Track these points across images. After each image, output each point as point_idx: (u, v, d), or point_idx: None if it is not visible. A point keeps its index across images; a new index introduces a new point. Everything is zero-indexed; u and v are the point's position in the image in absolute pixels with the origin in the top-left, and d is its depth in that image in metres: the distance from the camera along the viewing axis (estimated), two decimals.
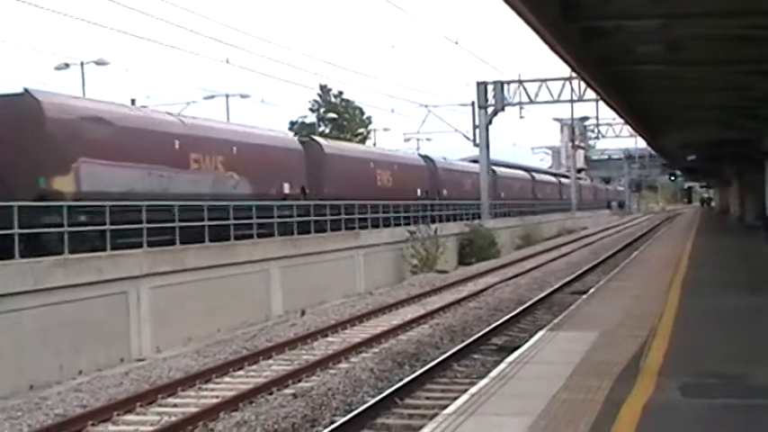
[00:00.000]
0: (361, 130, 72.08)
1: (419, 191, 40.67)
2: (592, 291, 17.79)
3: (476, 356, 15.32)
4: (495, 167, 53.45)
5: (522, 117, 50.24)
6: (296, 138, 33.91)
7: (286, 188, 27.67)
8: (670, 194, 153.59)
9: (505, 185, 56.14)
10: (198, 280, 20.37)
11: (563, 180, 79.88)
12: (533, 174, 70.09)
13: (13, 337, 15.04)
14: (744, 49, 16.71)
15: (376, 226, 32.13)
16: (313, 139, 34.02)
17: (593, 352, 10.02)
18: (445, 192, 44.57)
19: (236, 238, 22.71)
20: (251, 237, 23.50)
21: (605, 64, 17.76)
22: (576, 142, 77.70)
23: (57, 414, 12.67)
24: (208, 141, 23.76)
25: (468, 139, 49.28)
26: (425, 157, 45.46)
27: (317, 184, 29.98)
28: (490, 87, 47.16)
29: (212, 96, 46.10)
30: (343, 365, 15.25)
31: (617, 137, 74.09)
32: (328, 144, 34.35)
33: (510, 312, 20.17)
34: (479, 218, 44.52)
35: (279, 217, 25.49)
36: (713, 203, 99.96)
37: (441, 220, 38.11)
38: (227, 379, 14.92)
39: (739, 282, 17.50)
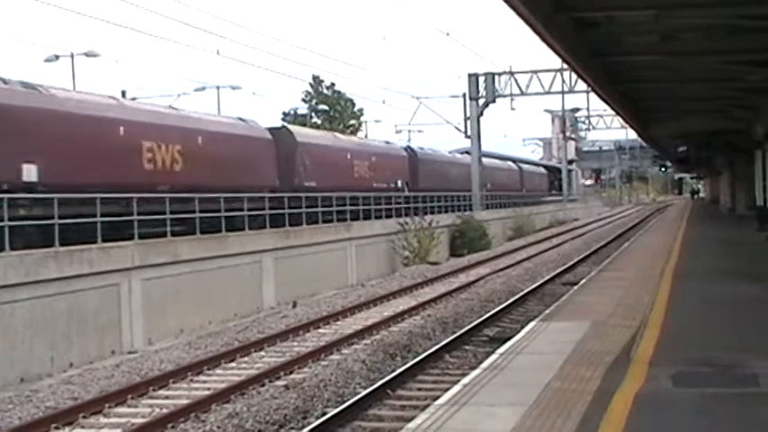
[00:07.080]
0: (352, 122, 71.90)
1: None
2: (583, 281, 17.80)
3: (468, 347, 15.33)
4: (521, 164, 68.05)
5: (513, 108, 50.29)
6: (400, 146, 45.06)
7: (400, 183, 40.08)
8: (661, 186, 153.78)
9: (529, 179, 67.69)
10: (190, 272, 20.31)
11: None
12: (549, 168, 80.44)
13: (5, 329, 14.99)
14: (736, 40, 16.74)
15: (367, 217, 32.25)
16: (411, 148, 44.81)
17: (584, 342, 10.03)
18: (490, 185, 52.45)
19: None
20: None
21: (597, 55, 17.77)
22: (568, 134, 77.76)
23: (48, 407, 12.64)
24: (360, 153, 36.94)
25: (459, 130, 49.40)
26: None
27: (414, 180, 41.58)
28: (481, 79, 47.20)
29: (203, 88, 46.03)
30: (335, 357, 15.25)
31: (608, 128, 74.31)
32: (421, 150, 45.44)
33: (502, 303, 20.19)
34: (471, 209, 44.61)
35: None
36: (702, 194, 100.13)
37: (433, 212, 38.24)
38: (218, 371, 14.91)
39: (731, 270, 17.48)
